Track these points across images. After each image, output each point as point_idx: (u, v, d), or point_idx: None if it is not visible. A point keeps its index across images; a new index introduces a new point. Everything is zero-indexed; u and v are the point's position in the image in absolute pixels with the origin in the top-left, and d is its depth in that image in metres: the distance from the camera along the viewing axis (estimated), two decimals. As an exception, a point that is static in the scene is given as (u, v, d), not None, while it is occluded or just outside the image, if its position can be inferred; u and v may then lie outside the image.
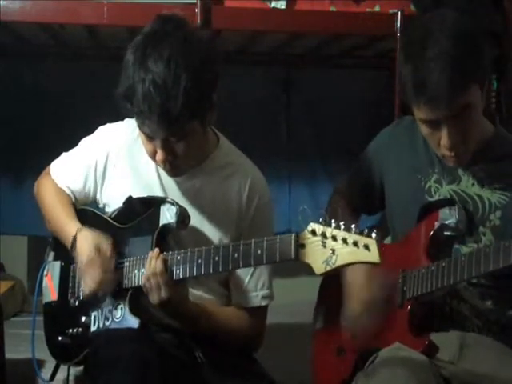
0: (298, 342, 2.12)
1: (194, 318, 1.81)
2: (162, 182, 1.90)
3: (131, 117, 1.77)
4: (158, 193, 1.88)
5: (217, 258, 1.68)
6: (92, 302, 1.83)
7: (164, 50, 1.65)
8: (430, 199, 1.85)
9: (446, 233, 1.77)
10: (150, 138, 1.73)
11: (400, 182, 1.93)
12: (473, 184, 1.81)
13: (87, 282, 1.81)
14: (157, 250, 1.74)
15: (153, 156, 1.77)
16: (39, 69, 3.43)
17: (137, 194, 1.89)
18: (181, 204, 1.81)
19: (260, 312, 1.93)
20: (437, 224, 1.77)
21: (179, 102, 1.63)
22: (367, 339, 1.81)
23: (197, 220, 1.86)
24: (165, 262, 1.72)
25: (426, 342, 1.70)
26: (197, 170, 1.87)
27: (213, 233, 1.88)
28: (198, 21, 2.56)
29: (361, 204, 2.06)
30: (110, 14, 2.54)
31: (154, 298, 1.72)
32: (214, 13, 2.62)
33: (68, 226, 1.89)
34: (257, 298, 1.90)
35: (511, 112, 2.89)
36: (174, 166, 1.78)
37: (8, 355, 2.15)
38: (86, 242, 1.81)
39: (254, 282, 1.89)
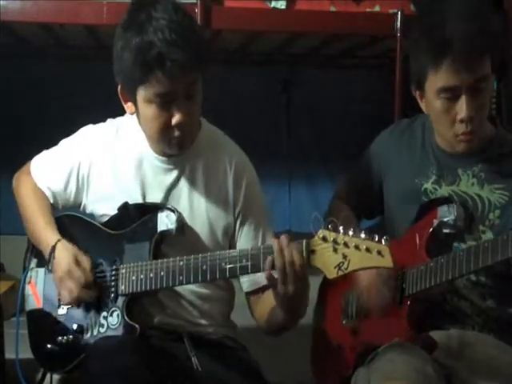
0: (297, 341, 2.12)
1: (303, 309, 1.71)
2: (146, 181, 1.86)
3: (142, 83, 1.69)
4: (144, 191, 1.86)
5: (224, 265, 1.65)
6: (84, 309, 1.81)
7: (167, 3, 1.70)
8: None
9: (444, 230, 1.77)
10: (166, 97, 1.68)
11: (398, 186, 1.93)
12: (472, 184, 1.82)
13: (64, 295, 1.79)
14: (285, 236, 1.61)
15: (165, 129, 1.72)
16: (39, 69, 3.44)
17: (120, 195, 1.86)
18: (169, 200, 1.81)
19: None
20: (435, 221, 1.77)
21: (199, 35, 1.72)
22: (368, 335, 1.82)
23: (187, 214, 1.83)
24: (299, 250, 1.60)
25: (425, 338, 1.71)
26: (184, 156, 1.83)
27: (203, 223, 1.85)
28: (198, 21, 2.56)
29: (360, 207, 2.04)
30: (110, 14, 2.54)
31: (288, 289, 1.60)
32: (213, 13, 2.63)
33: (47, 233, 1.85)
34: None
35: (511, 113, 2.90)
36: (185, 133, 1.73)
37: (8, 355, 2.14)
38: (65, 253, 1.79)
39: None
